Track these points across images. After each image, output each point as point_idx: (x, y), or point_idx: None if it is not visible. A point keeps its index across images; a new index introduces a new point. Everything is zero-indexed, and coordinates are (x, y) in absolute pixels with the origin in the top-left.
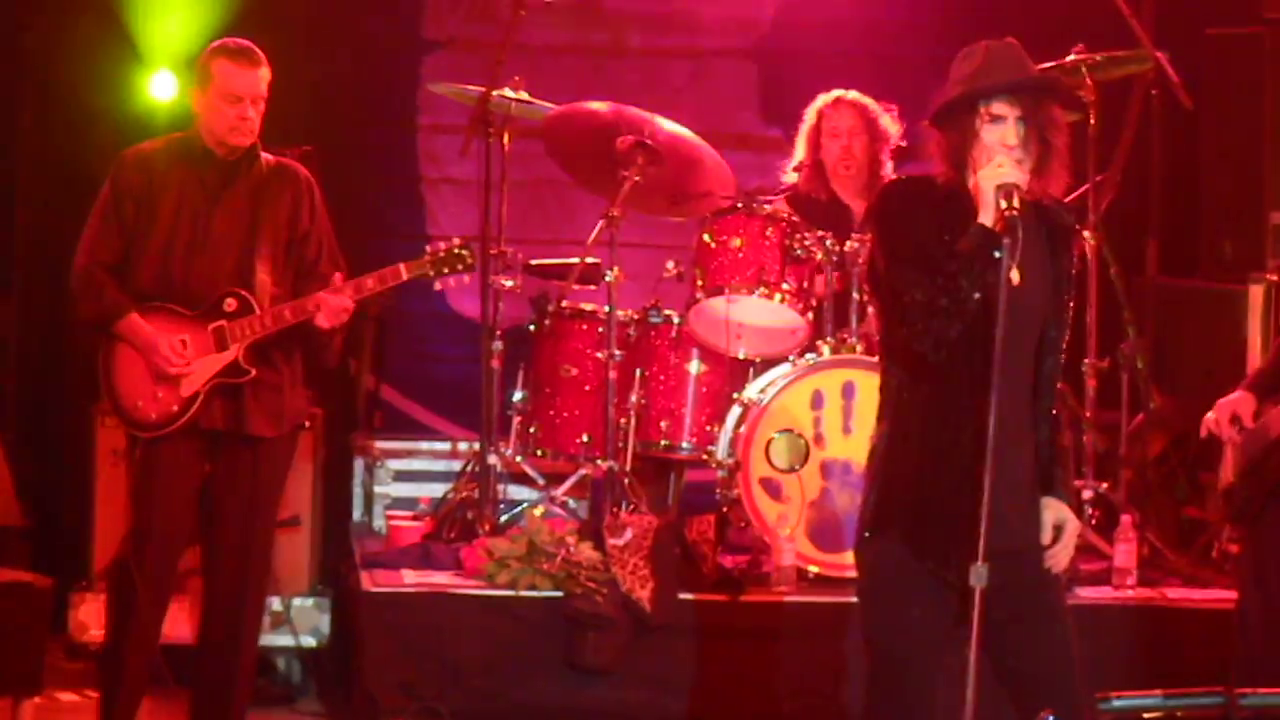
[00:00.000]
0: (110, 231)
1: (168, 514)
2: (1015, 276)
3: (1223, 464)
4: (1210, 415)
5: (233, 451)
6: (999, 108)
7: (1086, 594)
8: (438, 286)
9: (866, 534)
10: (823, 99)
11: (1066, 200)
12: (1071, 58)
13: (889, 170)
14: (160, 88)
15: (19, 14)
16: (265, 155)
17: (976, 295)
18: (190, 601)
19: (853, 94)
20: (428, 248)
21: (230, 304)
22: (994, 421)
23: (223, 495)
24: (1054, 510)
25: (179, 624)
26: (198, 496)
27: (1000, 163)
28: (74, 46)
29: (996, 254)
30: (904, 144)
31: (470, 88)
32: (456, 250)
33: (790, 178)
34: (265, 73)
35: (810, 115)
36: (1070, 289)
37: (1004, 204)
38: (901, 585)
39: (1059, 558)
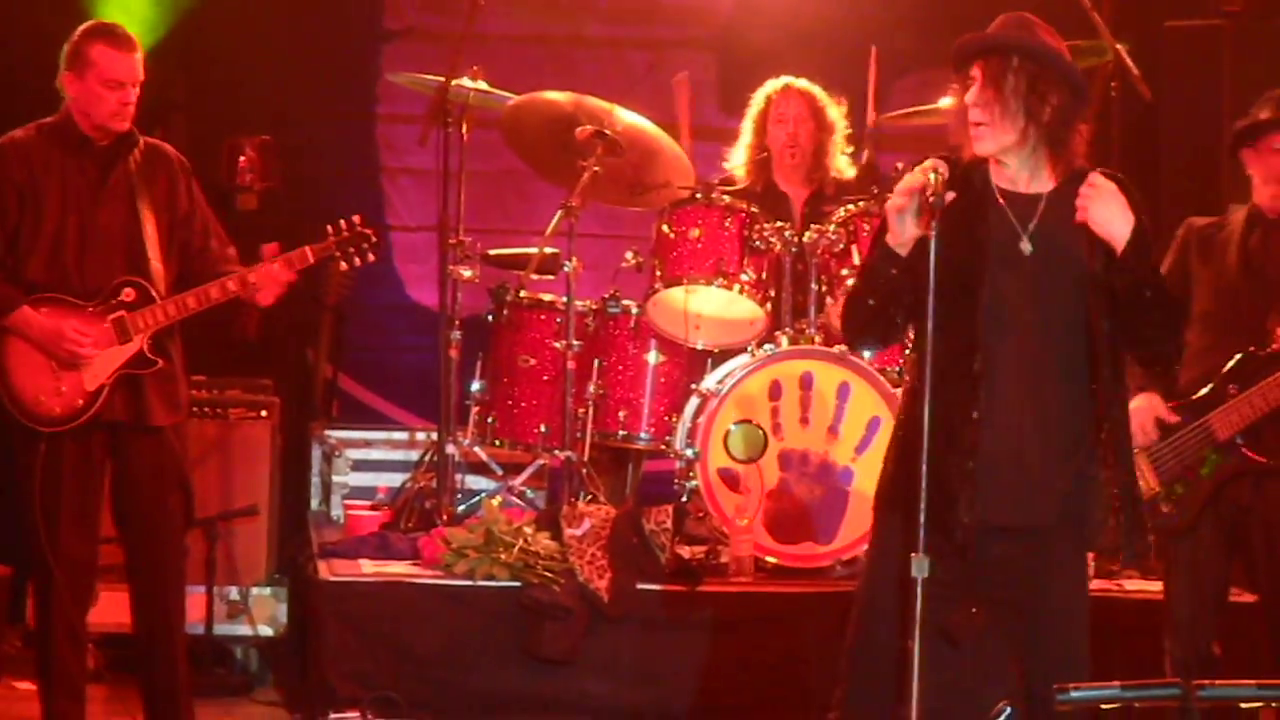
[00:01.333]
0: None
1: (79, 508)
2: (1026, 247)
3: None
4: (1135, 425)
5: (134, 442)
6: (974, 70)
7: None
8: (344, 267)
9: (875, 510)
10: (770, 85)
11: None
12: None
13: (839, 160)
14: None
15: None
16: (139, 137)
17: (871, 301)
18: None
19: (801, 81)
20: (329, 228)
21: (128, 294)
22: (929, 399)
23: (129, 487)
24: None
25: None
26: (104, 488)
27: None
28: (31, 34)
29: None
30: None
31: (429, 77)
32: (360, 230)
33: (738, 169)
34: (141, 56)
35: (757, 101)
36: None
37: (929, 189)
38: (899, 557)
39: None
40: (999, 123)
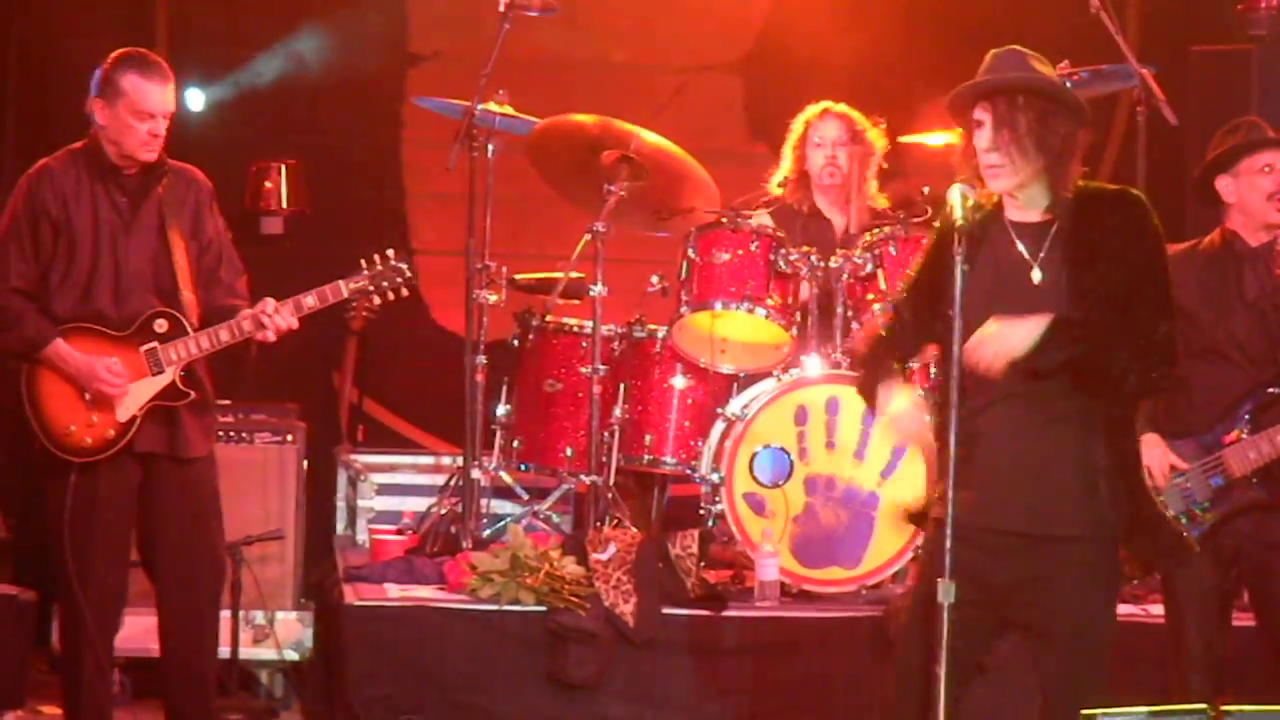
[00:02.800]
0: (25, 257)
1: (110, 536)
2: (1037, 275)
3: None
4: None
5: (168, 472)
6: (979, 112)
7: None
8: (376, 301)
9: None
10: (810, 110)
11: None
12: (1057, 73)
13: (872, 186)
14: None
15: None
16: (169, 163)
17: None
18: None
19: (840, 106)
20: (362, 261)
21: (161, 325)
22: (955, 418)
23: (166, 517)
24: None
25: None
26: (134, 516)
27: None
28: (91, 53)
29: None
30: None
31: (455, 101)
32: (394, 263)
33: (774, 190)
34: (173, 86)
35: (797, 126)
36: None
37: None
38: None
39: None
40: (1016, 162)
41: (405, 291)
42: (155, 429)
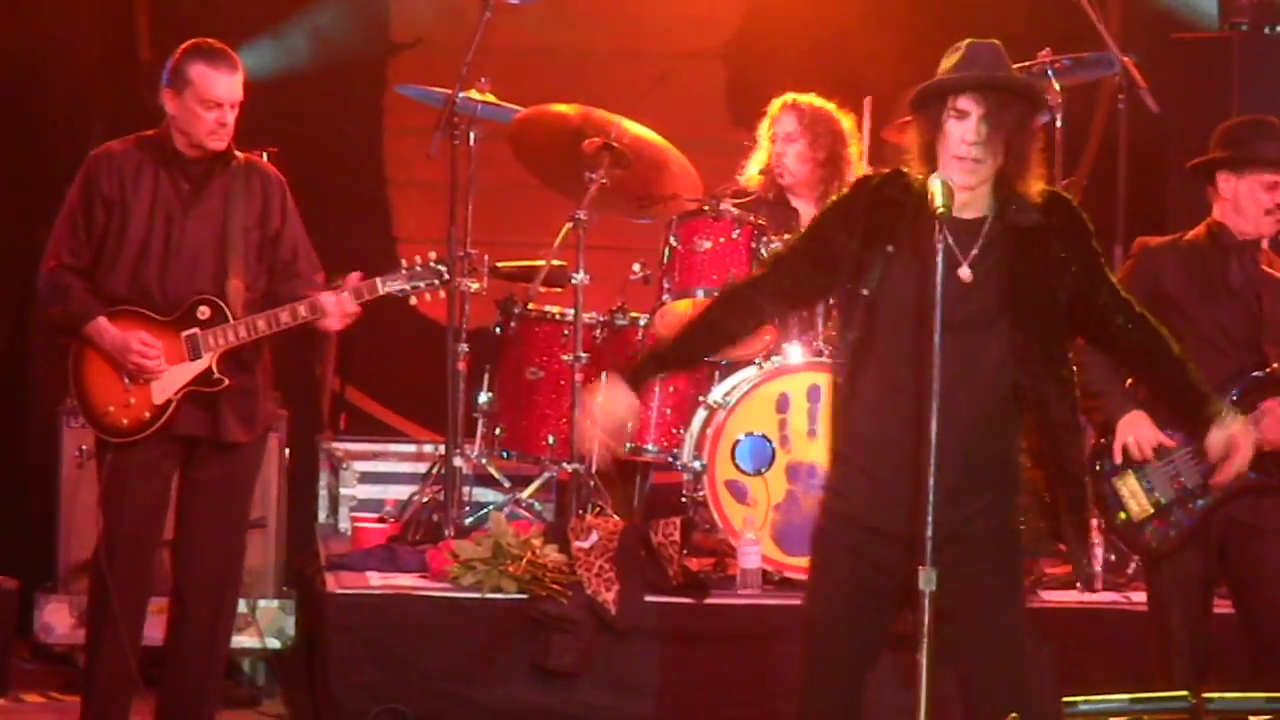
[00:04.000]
0: (79, 236)
1: (141, 518)
2: (966, 274)
3: (1128, 495)
4: (1132, 440)
5: (208, 456)
6: (964, 103)
7: (1052, 597)
8: (414, 301)
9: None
10: (776, 102)
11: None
12: (1039, 61)
13: (851, 172)
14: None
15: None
16: (236, 154)
17: None
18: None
19: (806, 97)
20: (404, 261)
21: (204, 311)
22: (936, 408)
23: (199, 500)
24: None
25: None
26: (169, 500)
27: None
28: (73, 41)
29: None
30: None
31: (437, 89)
32: (433, 265)
33: (751, 180)
34: (241, 76)
35: (766, 118)
36: (1048, 282)
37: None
38: (827, 555)
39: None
40: (996, 159)
41: (442, 293)
42: (196, 412)
